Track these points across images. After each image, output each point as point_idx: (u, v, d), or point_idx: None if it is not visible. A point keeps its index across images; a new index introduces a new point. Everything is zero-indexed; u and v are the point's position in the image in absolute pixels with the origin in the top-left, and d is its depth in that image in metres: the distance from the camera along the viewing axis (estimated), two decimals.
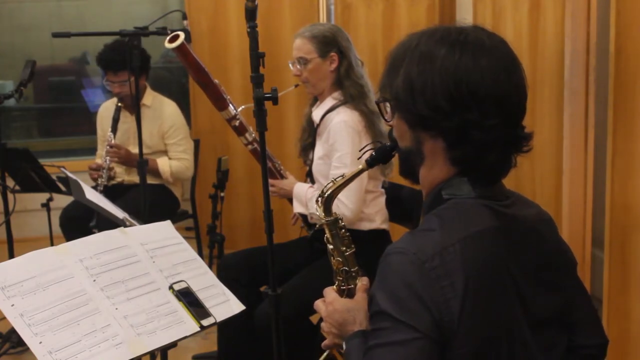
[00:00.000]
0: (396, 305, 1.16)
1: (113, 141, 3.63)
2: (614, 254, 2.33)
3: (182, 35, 2.39)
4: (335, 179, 1.58)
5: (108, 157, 3.60)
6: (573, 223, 2.66)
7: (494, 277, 1.20)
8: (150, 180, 3.67)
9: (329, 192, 1.58)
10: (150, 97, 3.82)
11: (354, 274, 1.59)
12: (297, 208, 2.68)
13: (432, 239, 1.21)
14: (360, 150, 1.56)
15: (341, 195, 2.50)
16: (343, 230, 1.61)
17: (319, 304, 1.49)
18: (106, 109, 3.92)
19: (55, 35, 2.82)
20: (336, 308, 1.42)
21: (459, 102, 1.20)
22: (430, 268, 1.17)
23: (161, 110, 3.82)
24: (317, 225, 1.65)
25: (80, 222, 3.48)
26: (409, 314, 1.15)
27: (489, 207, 1.26)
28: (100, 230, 3.26)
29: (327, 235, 1.61)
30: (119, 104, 3.67)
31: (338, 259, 1.60)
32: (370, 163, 1.49)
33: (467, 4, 3.62)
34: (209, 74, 2.54)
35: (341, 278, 1.61)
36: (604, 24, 2.45)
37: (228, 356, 2.80)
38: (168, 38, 2.42)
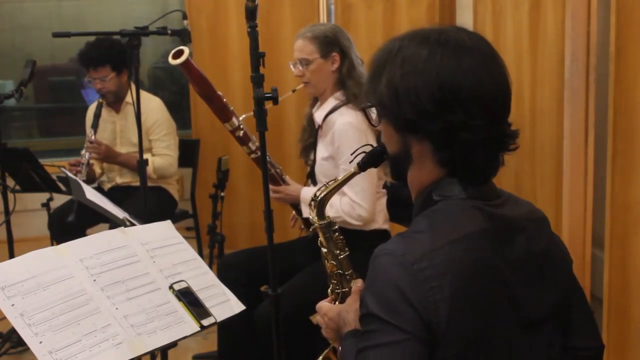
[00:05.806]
0: (384, 307, 1.16)
1: (93, 137, 3.55)
2: (614, 254, 2.33)
3: (186, 50, 2.35)
4: (327, 183, 1.57)
5: (87, 153, 3.52)
6: (573, 223, 2.66)
7: (482, 279, 1.20)
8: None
9: (321, 195, 1.58)
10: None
11: (348, 277, 1.61)
12: (307, 212, 2.66)
13: (421, 241, 1.20)
14: (352, 154, 1.56)
15: (356, 197, 2.50)
16: (337, 234, 1.61)
17: (318, 319, 1.52)
18: (92, 110, 3.84)
19: (56, 35, 2.81)
20: (330, 317, 1.46)
21: (444, 105, 1.20)
22: (418, 270, 1.16)
23: (145, 106, 3.73)
24: (311, 228, 1.65)
25: (72, 226, 3.40)
26: (397, 315, 1.15)
27: (478, 208, 1.25)
28: (78, 222, 3.20)
29: (321, 238, 1.62)
30: (101, 101, 3.62)
31: (332, 262, 1.61)
32: (362, 167, 1.48)
33: (467, 4, 3.61)
34: (214, 88, 2.49)
35: (335, 281, 1.62)
36: (604, 24, 2.45)
37: (228, 356, 2.80)
38: (172, 54, 2.35)
